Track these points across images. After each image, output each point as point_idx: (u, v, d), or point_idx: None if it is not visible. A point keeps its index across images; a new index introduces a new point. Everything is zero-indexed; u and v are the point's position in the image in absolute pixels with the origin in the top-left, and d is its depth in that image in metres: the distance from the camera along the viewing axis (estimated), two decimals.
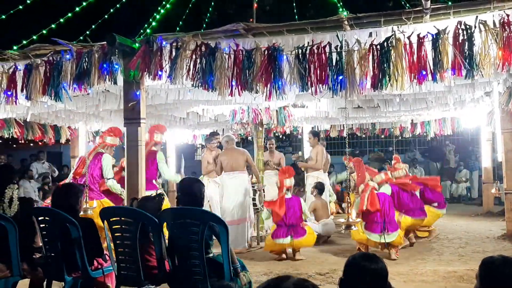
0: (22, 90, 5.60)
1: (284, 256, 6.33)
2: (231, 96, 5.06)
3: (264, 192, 7.68)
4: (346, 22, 4.97)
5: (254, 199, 7.48)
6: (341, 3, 8.65)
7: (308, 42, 4.91)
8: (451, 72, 4.55)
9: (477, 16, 4.49)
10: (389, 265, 2.49)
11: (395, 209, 6.53)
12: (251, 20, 7.76)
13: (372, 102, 8.12)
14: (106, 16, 8.27)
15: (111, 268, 4.03)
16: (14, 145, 13.95)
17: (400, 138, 12.92)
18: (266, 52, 4.88)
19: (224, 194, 7.23)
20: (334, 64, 4.78)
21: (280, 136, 12.69)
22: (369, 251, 6.25)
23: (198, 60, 4.98)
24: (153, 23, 8.67)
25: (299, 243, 6.28)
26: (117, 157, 7.42)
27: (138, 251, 3.73)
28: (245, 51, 4.94)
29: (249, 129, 9.00)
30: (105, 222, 3.95)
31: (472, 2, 4.70)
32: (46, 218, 4.00)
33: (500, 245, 7.05)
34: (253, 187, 7.49)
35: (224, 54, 4.97)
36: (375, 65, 4.68)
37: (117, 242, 3.88)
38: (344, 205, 8.74)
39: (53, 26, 7.51)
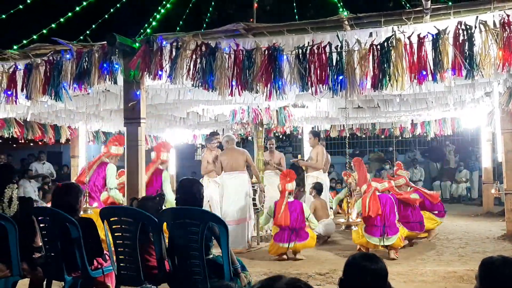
0: (22, 90, 5.61)
1: (285, 256, 6.32)
2: (231, 96, 5.06)
3: (264, 192, 7.69)
4: (346, 22, 4.97)
5: (254, 199, 7.48)
6: (341, 3, 8.66)
7: (308, 42, 4.91)
8: (451, 72, 4.55)
9: (477, 16, 4.49)
10: (389, 265, 2.49)
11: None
12: (251, 20, 7.77)
13: (372, 102, 8.11)
14: (106, 16, 8.27)
15: (111, 268, 4.03)
16: (14, 145, 13.95)
17: (400, 138, 12.92)
18: (266, 52, 4.88)
19: (224, 194, 7.23)
20: (334, 64, 4.78)
21: (280, 136, 12.68)
22: (369, 251, 6.25)
23: (198, 60, 4.98)
24: (154, 23, 8.68)
25: (302, 246, 6.29)
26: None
27: (138, 251, 3.73)
28: (245, 51, 4.94)
29: (249, 129, 9.00)
30: (105, 222, 3.95)
31: (473, 2, 4.70)
32: (46, 217, 4.00)
33: (500, 246, 7.05)
34: (253, 187, 7.49)
35: (224, 54, 4.97)
36: (375, 65, 4.68)
37: (117, 242, 3.87)
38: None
39: (53, 25, 7.52)
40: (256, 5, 8.47)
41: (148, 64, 5.05)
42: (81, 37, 6.37)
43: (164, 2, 8.76)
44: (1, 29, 9.25)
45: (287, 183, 6.56)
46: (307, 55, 4.83)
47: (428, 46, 4.58)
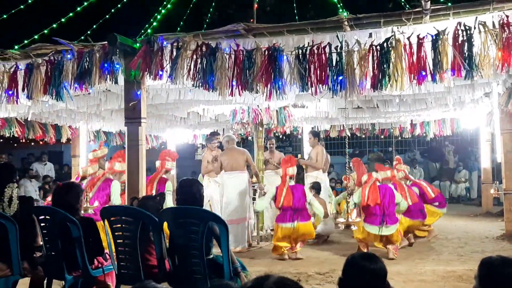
0: (23, 90, 5.62)
1: (286, 257, 6.34)
2: (232, 96, 5.07)
3: (264, 191, 7.70)
4: (346, 23, 4.98)
5: (254, 199, 7.49)
6: (341, 4, 8.66)
7: (308, 43, 4.93)
8: (451, 73, 4.56)
9: (476, 17, 4.50)
10: (388, 265, 2.51)
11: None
12: (251, 20, 7.76)
13: (372, 102, 8.13)
14: (107, 16, 8.28)
15: (112, 267, 4.05)
16: (15, 144, 13.96)
17: (399, 138, 12.94)
18: (266, 52, 4.90)
19: (224, 194, 7.25)
20: (334, 65, 4.80)
21: (280, 136, 12.70)
22: (369, 250, 6.27)
23: (199, 60, 5.00)
24: (154, 23, 8.68)
25: (304, 227, 6.29)
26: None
27: (139, 250, 3.74)
28: (246, 51, 4.96)
29: (249, 129, 9.01)
30: (106, 221, 3.96)
31: (472, 3, 4.71)
32: (47, 217, 4.01)
33: (499, 245, 7.07)
34: (253, 187, 7.50)
35: (225, 54, 4.98)
36: (375, 65, 4.70)
37: (118, 241, 3.89)
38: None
39: (54, 25, 7.53)
40: (256, 5, 8.47)
41: (148, 64, 5.07)
42: (82, 37, 6.38)
43: (164, 3, 8.77)
44: (2, 29, 9.25)
45: (288, 167, 6.60)
46: (307, 56, 4.84)
47: (427, 46, 4.60)
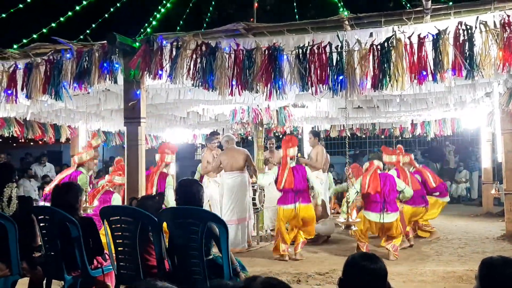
0: (22, 89, 5.60)
1: (286, 258, 6.33)
2: (231, 95, 5.06)
3: (264, 191, 7.69)
4: (346, 22, 4.96)
5: (254, 199, 7.48)
6: (341, 3, 8.65)
7: (308, 42, 4.91)
8: (452, 73, 4.55)
9: (477, 17, 4.48)
10: (389, 265, 2.49)
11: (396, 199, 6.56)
12: (251, 19, 7.76)
13: (372, 102, 8.12)
14: (106, 15, 8.26)
15: (111, 267, 4.04)
16: (14, 144, 13.95)
17: (400, 138, 12.91)
18: (266, 52, 4.88)
19: (224, 194, 7.24)
20: (334, 64, 4.78)
21: (280, 136, 12.68)
22: (369, 251, 6.26)
23: (199, 60, 4.98)
24: (154, 23, 8.67)
25: (305, 209, 6.28)
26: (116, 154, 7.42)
27: (138, 250, 3.73)
28: (246, 50, 4.94)
29: (249, 129, 9.01)
30: (105, 221, 3.95)
31: (473, 3, 4.70)
32: (46, 216, 4.00)
33: (500, 246, 7.06)
34: (253, 186, 7.49)
35: (225, 54, 4.97)
36: (376, 65, 4.68)
37: (117, 241, 3.88)
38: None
39: (53, 25, 7.51)
40: (256, 5, 8.46)
41: (148, 63, 5.05)
42: (81, 37, 6.37)
43: (164, 2, 8.75)
44: (1, 28, 9.25)
45: (289, 148, 6.49)
46: (307, 55, 4.82)
47: (428, 46, 4.58)
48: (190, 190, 3.82)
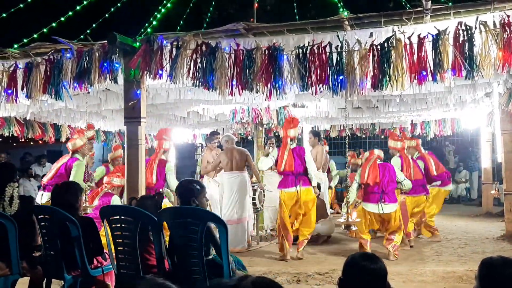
0: (22, 89, 5.61)
1: (288, 258, 6.33)
2: (231, 95, 5.06)
3: (264, 191, 7.69)
4: (346, 22, 4.97)
5: (254, 199, 7.48)
6: (341, 3, 8.66)
7: (308, 42, 4.92)
8: (451, 73, 4.55)
9: (477, 17, 4.49)
10: (388, 265, 2.50)
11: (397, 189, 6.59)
12: (251, 19, 7.77)
13: (371, 103, 8.13)
14: (107, 15, 8.27)
15: (111, 266, 4.04)
16: (14, 144, 13.95)
17: None
18: (266, 52, 4.88)
19: (224, 194, 7.24)
20: (334, 64, 4.78)
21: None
22: (369, 251, 6.26)
23: (199, 60, 4.98)
24: (154, 22, 8.68)
25: (306, 192, 6.31)
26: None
27: (138, 250, 3.73)
28: (246, 50, 4.95)
29: (249, 129, 9.01)
30: (105, 221, 3.95)
31: (473, 3, 4.70)
32: (46, 216, 4.00)
33: (499, 246, 7.06)
34: (253, 186, 7.49)
35: (225, 54, 4.97)
36: (376, 65, 4.68)
37: (117, 240, 3.88)
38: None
39: (53, 24, 7.51)
40: (256, 4, 8.47)
41: (148, 63, 5.05)
42: (82, 36, 6.38)
43: (164, 2, 8.76)
44: (1, 28, 9.25)
45: (289, 128, 6.44)
46: (307, 55, 4.83)
47: (428, 46, 4.58)
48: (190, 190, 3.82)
